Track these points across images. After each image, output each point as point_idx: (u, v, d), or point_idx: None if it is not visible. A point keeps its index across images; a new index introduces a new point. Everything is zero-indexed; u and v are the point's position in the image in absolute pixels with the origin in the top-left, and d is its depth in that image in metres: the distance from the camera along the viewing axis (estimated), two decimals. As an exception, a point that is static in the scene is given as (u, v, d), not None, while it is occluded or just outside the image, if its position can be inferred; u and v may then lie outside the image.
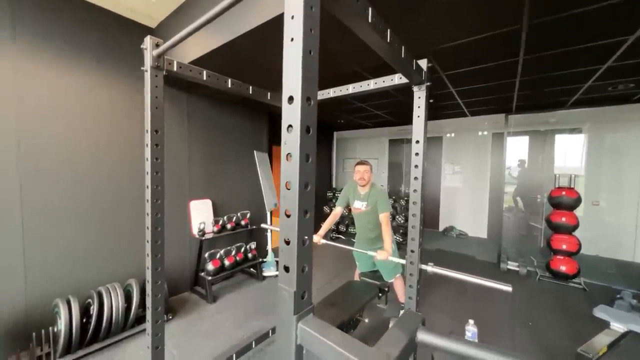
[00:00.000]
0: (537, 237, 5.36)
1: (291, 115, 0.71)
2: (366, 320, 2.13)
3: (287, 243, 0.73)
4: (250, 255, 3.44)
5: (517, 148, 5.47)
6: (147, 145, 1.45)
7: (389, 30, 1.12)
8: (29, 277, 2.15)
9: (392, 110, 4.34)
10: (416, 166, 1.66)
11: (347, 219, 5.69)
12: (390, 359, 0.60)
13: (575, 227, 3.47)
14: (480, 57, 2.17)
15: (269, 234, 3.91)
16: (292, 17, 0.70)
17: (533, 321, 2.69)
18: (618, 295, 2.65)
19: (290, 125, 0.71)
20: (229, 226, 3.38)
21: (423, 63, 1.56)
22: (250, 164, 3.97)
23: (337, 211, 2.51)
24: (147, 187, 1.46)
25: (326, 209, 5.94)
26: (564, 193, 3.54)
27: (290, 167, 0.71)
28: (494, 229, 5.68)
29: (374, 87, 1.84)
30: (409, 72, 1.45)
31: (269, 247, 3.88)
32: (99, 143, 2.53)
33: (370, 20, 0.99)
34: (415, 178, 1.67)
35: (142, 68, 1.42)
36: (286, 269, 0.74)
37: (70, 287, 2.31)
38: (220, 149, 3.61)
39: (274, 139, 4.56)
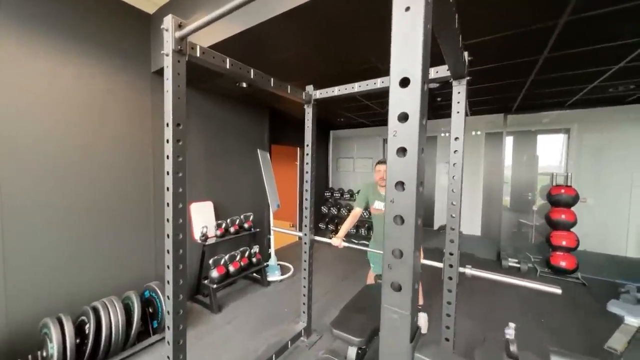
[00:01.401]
0: (526, 233, 5.53)
1: (406, 101, 0.59)
2: (392, 326, 2.03)
3: (399, 255, 0.61)
4: (254, 259, 3.25)
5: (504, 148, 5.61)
6: (167, 140, 1.26)
7: (457, 15, 1.02)
8: (10, 293, 1.86)
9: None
10: (455, 164, 1.59)
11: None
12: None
13: (574, 223, 3.59)
14: (503, 54, 2.14)
15: (271, 237, 3.74)
16: (408, -18, 0.58)
17: (544, 317, 2.72)
18: (622, 289, 2.75)
19: (404, 114, 0.59)
20: (232, 230, 3.18)
21: (465, 56, 1.48)
22: (252, 163, 3.77)
23: (357, 212, 2.41)
24: (168, 189, 1.27)
25: (324, 209, 5.83)
26: (563, 191, 3.66)
27: (405, 164, 0.59)
28: (487, 227, 5.82)
29: (406, 81, 1.75)
30: (457, 64, 1.36)
31: (272, 251, 3.70)
32: (94, 141, 2.26)
33: (454, 8, 0.89)
34: (454, 177, 1.60)
35: (162, 52, 1.23)
36: (397, 287, 0.61)
37: (60, 304, 2.04)
38: (221, 147, 3.39)
39: (274, 137, 4.38)
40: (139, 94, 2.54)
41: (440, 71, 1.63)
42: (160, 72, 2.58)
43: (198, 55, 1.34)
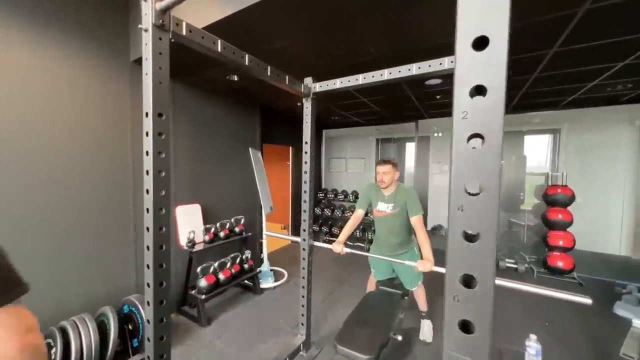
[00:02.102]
0: (517, 233, 5.55)
1: (483, 69, 0.42)
2: (399, 338, 1.88)
3: (470, 284, 0.44)
4: (246, 266, 3.03)
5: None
6: (146, 133, 1.05)
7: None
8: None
9: (389, 107, 4.16)
10: (473, 163, 1.45)
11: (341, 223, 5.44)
12: None
13: (570, 223, 3.57)
14: (513, 48, 2.03)
15: (264, 241, 3.52)
16: None
17: (548, 321, 2.66)
18: (624, 290, 2.73)
19: (479, 88, 0.42)
20: (222, 234, 2.94)
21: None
22: (242, 162, 3.55)
23: (359, 214, 2.24)
24: (147, 191, 1.06)
25: (317, 210, 5.65)
26: (559, 190, 3.64)
27: (481, 156, 0.42)
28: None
29: (416, 72, 1.60)
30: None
31: (265, 256, 3.49)
32: (61, 135, 1.99)
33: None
34: (472, 176, 1.46)
35: (139, 26, 1.02)
36: (466, 327, 0.45)
37: (20, 325, 1.76)
38: (209, 145, 3.15)
39: (265, 136, 4.16)
40: (116, 85, 2.28)
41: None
42: (140, 61, 2.33)
43: (184, 33, 1.14)
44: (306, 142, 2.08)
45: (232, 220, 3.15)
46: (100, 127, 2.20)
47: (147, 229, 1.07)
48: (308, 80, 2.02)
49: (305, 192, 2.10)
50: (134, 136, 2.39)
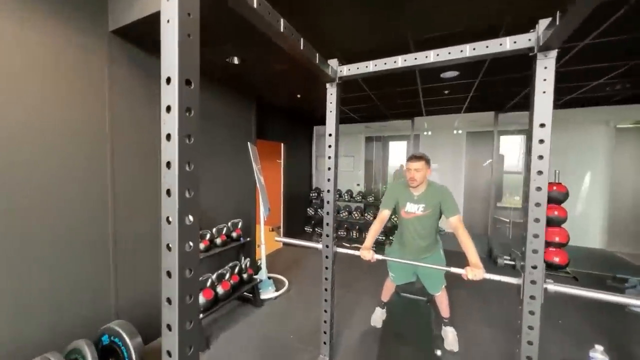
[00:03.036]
0: (500, 229, 5.73)
1: None
2: (439, 353, 1.70)
3: None
4: (245, 276, 2.68)
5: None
6: (167, 109, 0.73)
7: None
8: None
9: (390, 103, 4.01)
10: (541, 157, 1.29)
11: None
12: None
13: (565, 219, 3.67)
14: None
15: (263, 247, 3.17)
16: None
17: (559, 318, 2.65)
18: (627, 284, 2.81)
19: None
20: (218, 241, 2.56)
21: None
22: (237, 160, 3.17)
23: (384, 215, 2.02)
24: (168, 192, 0.73)
25: (310, 211, 5.38)
26: (555, 188, 3.73)
27: None
28: (471, 226, 5.93)
29: (470, 54, 1.41)
30: (563, 29, 1.04)
31: (263, 263, 3.14)
32: (15, 124, 1.52)
33: None
34: (540, 172, 1.30)
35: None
36: None
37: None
38: (201, 139, 2.74)
39: (260, 132, 3.80)
40: (91, 61, 1.83)
41: (520, 41, 1.32)
42: (121, 32, 1.90)
43: (217, -28, 0.82)
44: (330, 135, 1.81)
45: (229, 224, 2.78)
46: (69, 113, 1.74)
47: (168, 247, 0.74)
48: (333, 62, 1.75)
49: (328, 191, 1.83)
50: (113, 125, 1.95)
